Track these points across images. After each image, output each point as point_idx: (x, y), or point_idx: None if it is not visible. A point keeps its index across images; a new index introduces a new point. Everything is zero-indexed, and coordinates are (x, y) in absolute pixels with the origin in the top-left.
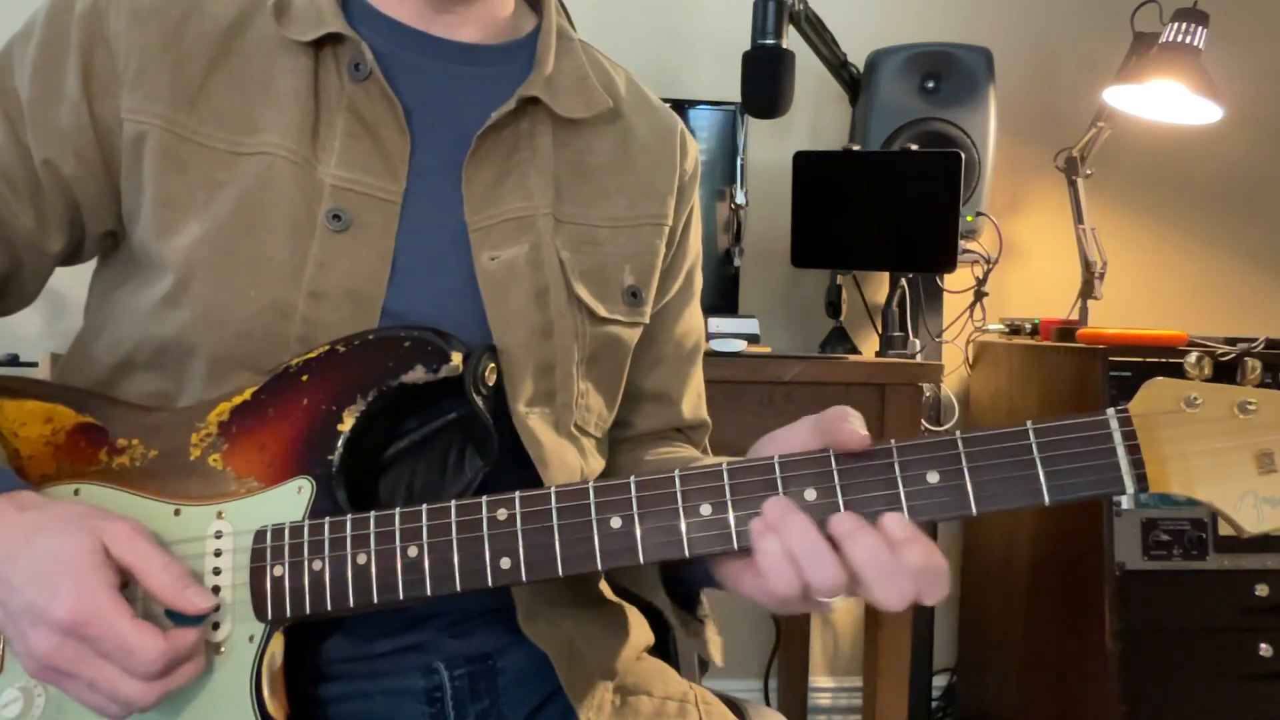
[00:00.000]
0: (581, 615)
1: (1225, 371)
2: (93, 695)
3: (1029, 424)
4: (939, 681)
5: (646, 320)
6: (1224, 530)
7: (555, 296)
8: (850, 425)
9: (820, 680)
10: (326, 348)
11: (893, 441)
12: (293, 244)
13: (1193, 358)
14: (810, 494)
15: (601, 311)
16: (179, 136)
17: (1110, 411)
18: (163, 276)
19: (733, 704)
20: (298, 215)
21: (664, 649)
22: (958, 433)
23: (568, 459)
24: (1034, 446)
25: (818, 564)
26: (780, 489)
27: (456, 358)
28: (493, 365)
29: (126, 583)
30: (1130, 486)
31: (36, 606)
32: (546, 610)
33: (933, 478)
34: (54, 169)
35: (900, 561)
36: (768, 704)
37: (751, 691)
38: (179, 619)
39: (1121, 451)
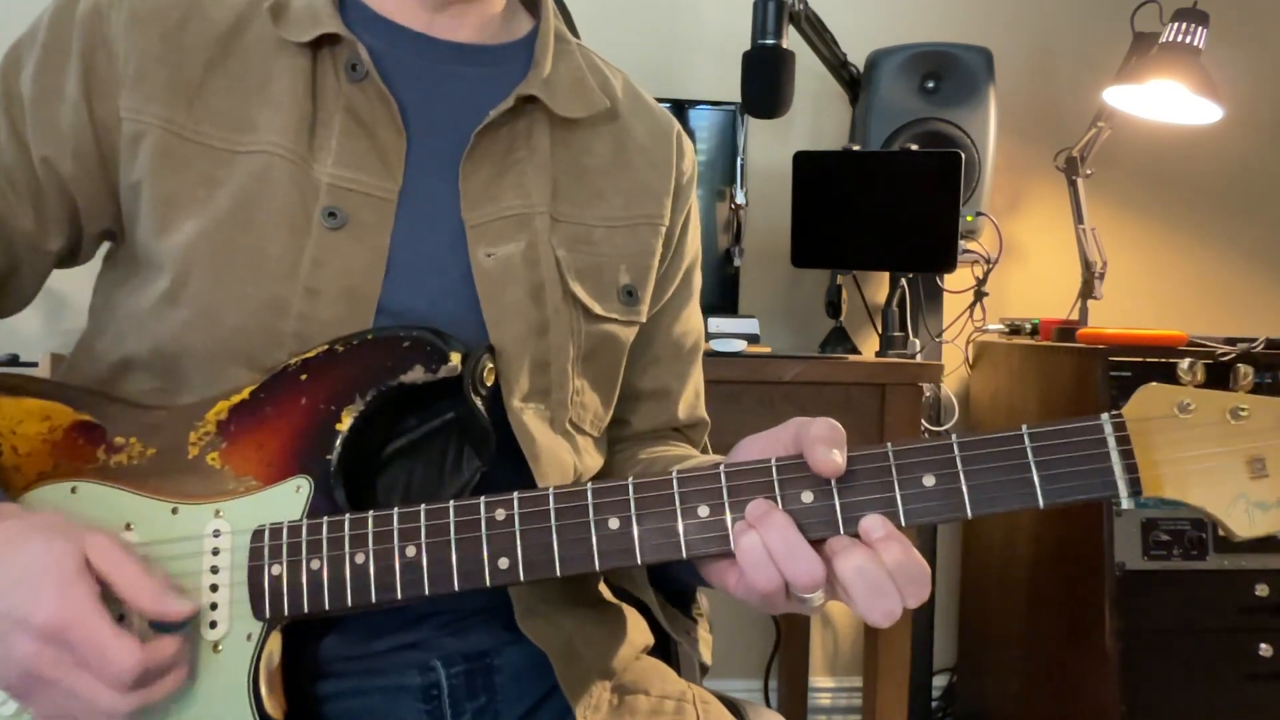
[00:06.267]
0: (581, 615)
1: (1219, 374)
2: (69, 705)
3: (1024, 428)
4: (939, 681)
5: (643, 319)
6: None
7: (551, 294)
8: (830, 457)
9: (820, 680)
10: (325, 347)
11: (889, 445)
12: (289, 241)
13: (1185, 364)
14: (807, 496)
15: (597, 309)
16: (177, 136)
17: (1105, 416)
18: (161, 274)
19: (731, 704)
20: (294, 213)
21: (665, 650)
22: (954, 436)
23: (561, 455)
24: (1029, 450)
25: (795, 560)
26: (777, 491)
27: (455, 358)
28: (491, 366)
29: (106, 595)
30: (1124, 490)
31: (18, 612)
32: (545, 609)
33: (928, 480)
34: (52, 167)
35: (886, 573)
36: (768, 704)
37: (751, 691)
38: (161, 628)
39: (1115, 456)
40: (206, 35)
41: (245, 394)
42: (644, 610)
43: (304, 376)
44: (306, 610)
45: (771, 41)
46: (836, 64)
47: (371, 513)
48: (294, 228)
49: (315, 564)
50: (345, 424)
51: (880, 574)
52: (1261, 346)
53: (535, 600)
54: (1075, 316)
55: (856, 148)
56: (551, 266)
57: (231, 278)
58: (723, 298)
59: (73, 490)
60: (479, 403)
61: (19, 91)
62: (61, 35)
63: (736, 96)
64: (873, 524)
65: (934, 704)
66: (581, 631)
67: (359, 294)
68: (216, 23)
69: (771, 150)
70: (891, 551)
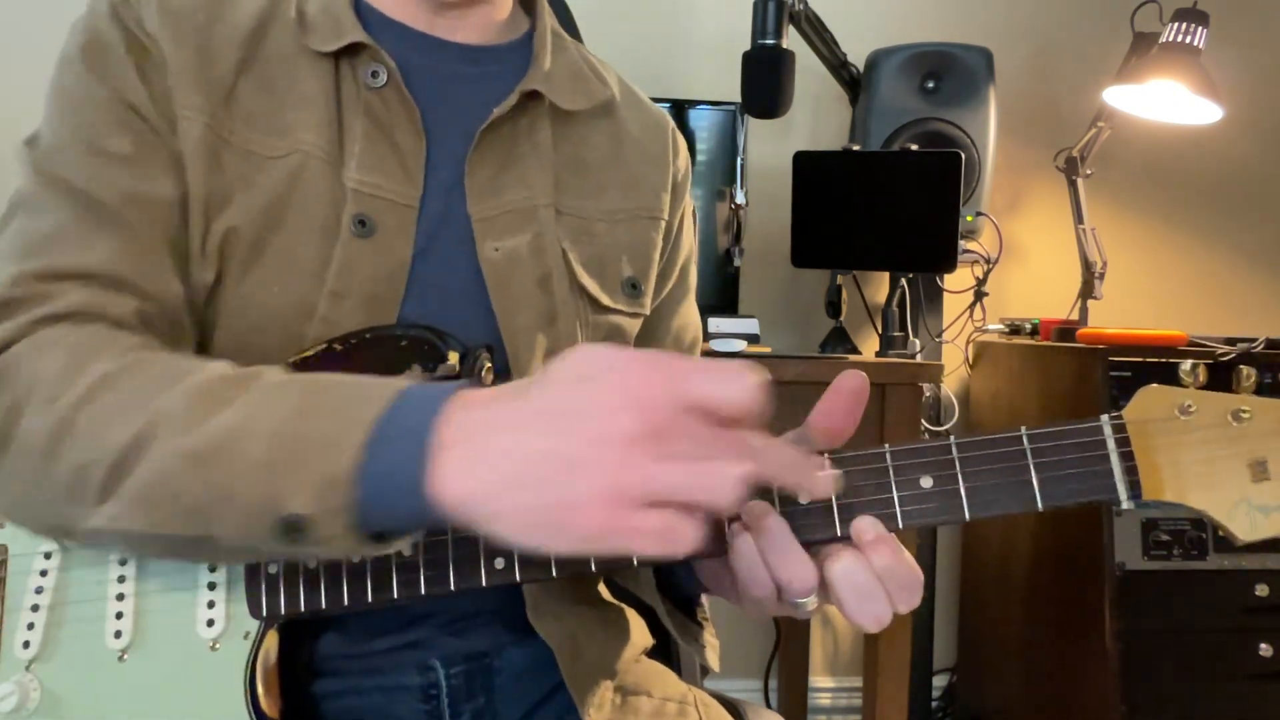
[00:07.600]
0: (583, 613)
1: (1221, 374)
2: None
3: (1023, 429)
4: (939, 681)
5: (646, 311)
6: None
7: (558, 284)
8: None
9: (820, 680)
10: (324, 346)
11: (887, 446)
12: (319, 244)
13: (1187, 365)
14: (804, 497)
15: (604, 300)
16: (218, 135)
17: (1104, 418)
18: (194, 270)
19: (731, 706)
20: (325, 216)
21: (666, 652)
22: (952, 437)
23: None
24: (1028, 452)
25: (788, 564)
26: (774, 492)
27: (453, 357)
28: (489, 366)
29: None
30: (1123, 493)
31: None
32: (552, 606)
33: (926, 482)
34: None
35: (874, 577)
36: (767, 704)
37: (751, 691)
38: None
39: (1115, 458)
40: (231, 39)
41: None
42: (643, 611)
43: None
44: (303, 609)
45: (771, 41)
46: (836, 64)
47: None
48: (325, 230)
49: (312, 563)
50: None
51: (868, 578)
52: (1261, 346)
53: (543, 598)
54: (1075, 316)
55: (856, 148)
56: (558, 257)
57: (261, 276)
58: (723, 298)
59: None
60: None
61: (110, 149)
62: (105, 33)
63: (736, 96)
64: (864, 526)
65: (934, 704)
66: (585, 629)
67: (381, 300)
68: (239, 27)
69: (771, 150)
70: (881, 555)
